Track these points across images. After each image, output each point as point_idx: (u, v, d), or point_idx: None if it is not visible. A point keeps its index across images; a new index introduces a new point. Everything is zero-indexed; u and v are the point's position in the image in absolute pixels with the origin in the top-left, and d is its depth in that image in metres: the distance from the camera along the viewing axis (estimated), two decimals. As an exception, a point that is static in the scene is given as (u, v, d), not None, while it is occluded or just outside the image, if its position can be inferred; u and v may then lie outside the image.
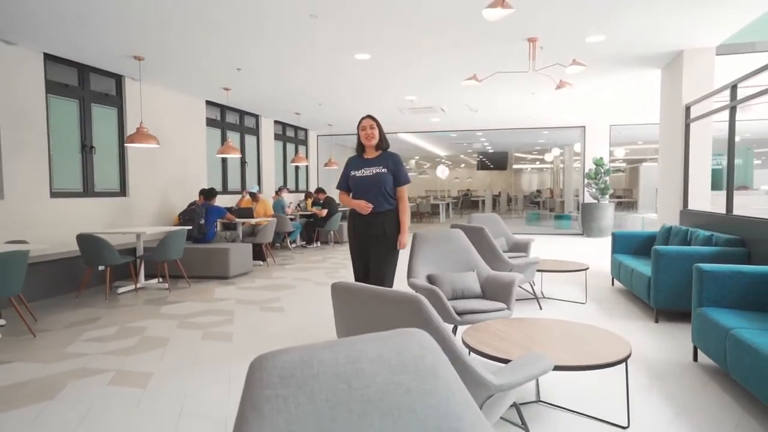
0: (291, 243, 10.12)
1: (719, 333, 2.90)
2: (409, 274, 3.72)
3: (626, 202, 20.28)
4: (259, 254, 7.85)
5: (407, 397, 1.09)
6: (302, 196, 12.26)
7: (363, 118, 3.61)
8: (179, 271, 6.26)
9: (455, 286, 3.67)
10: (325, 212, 9.88)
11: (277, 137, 11.90)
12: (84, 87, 6.53)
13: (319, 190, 10.50)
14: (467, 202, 23.19)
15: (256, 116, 10.86)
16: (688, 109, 5.81)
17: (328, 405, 1.02)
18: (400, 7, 4.53)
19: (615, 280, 5.83)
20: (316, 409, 1.00)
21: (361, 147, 3.64)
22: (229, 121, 9.96)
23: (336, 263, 7.83)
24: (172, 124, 7.95)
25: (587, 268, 5.20)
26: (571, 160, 16.13)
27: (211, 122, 9.31)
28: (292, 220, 9.94)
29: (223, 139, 9.54)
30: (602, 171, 11.60)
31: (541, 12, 4.68)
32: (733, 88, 4.58)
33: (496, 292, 3.68)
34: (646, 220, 11.84)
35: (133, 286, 5.93)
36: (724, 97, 4.97)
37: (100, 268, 5.89)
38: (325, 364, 1.06)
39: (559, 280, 6.28)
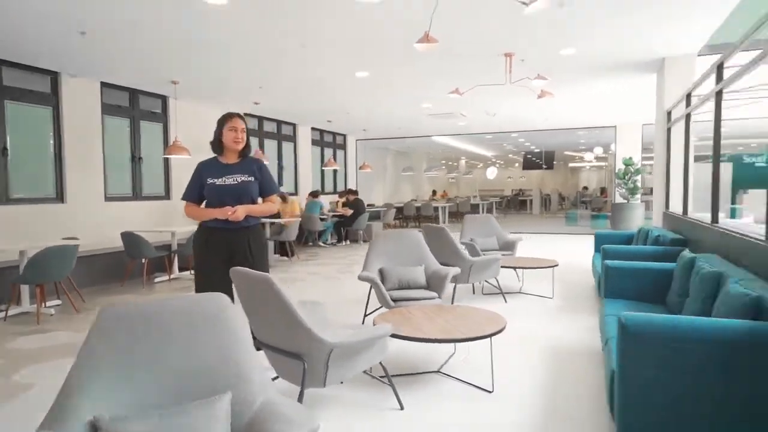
0: (324, 242, 10.97)
1: (602, 319, 3.33)
2: (364, 267, 4.37)
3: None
4: (285, 251, 8.77)
5: (196, 333, 1.79)
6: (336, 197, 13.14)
7: (232, 116, 3.12)
8: (208, 264, 7.26)
9: (402, 278, 4.28)
10: (350, 212, 10.66)
11: (314, 143, 12.84)
12: (134, 107, 7.71)
13: (348, 191, 11.30)
14: (515, 202, 23.15)
15: (293, 124, 11.85)
16: (669, 113, 5.99)
17: (143, 332, 1.74)
18: (388, 36, 5.20)
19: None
20: (135, 335, 1.73)
21: (219, 148, 3.15)
22: (266, 129, 11.00)
23: (353, 261, 8.57)
24: (210, 135, 9.03)
25: (556, 265, 5.58)
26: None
27: (248, 131, 10.35)
28: (323, 219, 10.80)
29: (261, 146, 10.57)
30: (632, 171, 11.51)
31: (521, 30, 5.10)
32: (688, 96, 4.82)
33: (437, 283, 4.25)
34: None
35: (167, 277, 6.99)
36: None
37: (143, 260, 6.99)
38: (146, 311, 1.78)
39: (543, 276, 6.55)
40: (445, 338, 2.86)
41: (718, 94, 3.67)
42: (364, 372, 2.86)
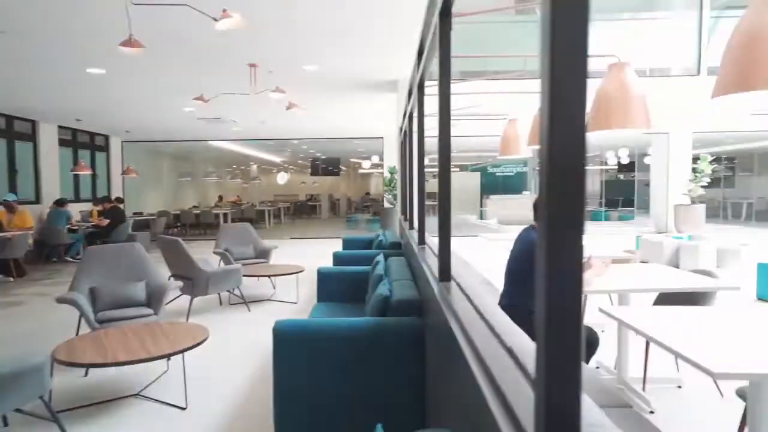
0: (73, 256, 9.60)
1: (307, 324, 3.55)
2: (70, 287, 3.92)
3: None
4: (9, 270, 7.41)
5: None
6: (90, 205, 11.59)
7: None
8: None
9: (117, 296, 3.95)
10: (106, 222, 9.56)
11: (64, 143, 11.19)
12: None
13: (105, 199, 10.13)
14: (305, 207, 23.68)
15: (32, 121, 10.13)
16: (401, 129, 6.77)
17: None
18: (95, 33, 4.72)
19: (343, 280, 6.57)
20: None
21: None
22: (-9, 126, 9.19)
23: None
24: None
25: (301, 271, 5.81)
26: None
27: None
28: (73, 231, 9.46)
29: (-18, 146, 8.79)
30: (395, 179, 12.75)
31: (261, 42, 5.14)
32: (406, 116, 5.50)
33: (158, 299, 4.04)
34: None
35: None
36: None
37: None
38: None
39: (298, 282, 6.77)
40: (126, 360, 2.70)
41: (410, 116, 4.26)
42: (19, 410, 2.54)
